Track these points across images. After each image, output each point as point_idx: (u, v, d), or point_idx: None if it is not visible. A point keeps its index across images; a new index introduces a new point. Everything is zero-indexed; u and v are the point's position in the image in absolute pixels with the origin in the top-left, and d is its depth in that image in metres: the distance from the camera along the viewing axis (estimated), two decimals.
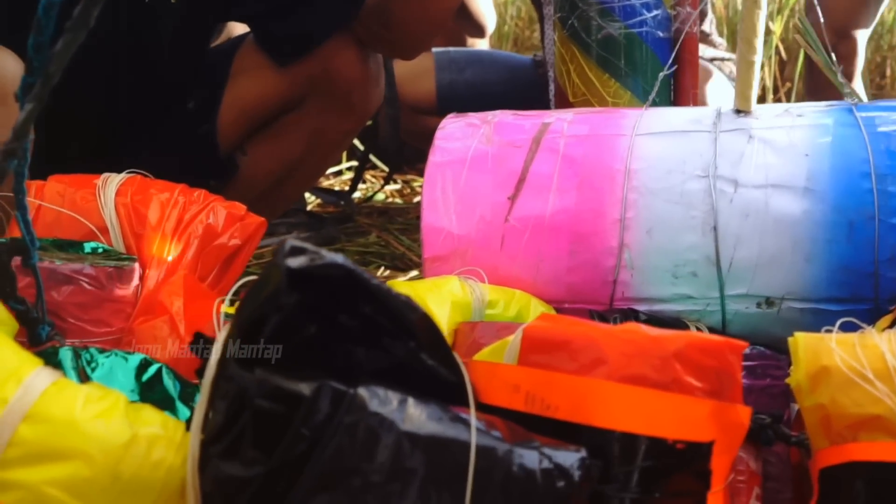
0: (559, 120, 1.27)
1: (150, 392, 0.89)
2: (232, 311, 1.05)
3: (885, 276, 1.13)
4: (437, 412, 0.67)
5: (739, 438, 0.76)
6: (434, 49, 2.48)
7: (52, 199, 1.22)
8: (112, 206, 1.20)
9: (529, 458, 0.67)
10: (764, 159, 1.18)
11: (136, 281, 1.12)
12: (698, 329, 1.14)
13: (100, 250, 1.16)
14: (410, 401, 0.67)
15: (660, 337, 0.76)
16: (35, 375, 0.71)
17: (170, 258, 1.18)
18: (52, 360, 0.87)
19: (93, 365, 0.90)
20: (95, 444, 0.69)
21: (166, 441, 0.71)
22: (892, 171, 1.14)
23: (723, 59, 2.28)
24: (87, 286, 1.07)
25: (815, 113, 1.22)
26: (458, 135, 1.28)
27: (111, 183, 1.22)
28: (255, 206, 1.73)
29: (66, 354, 0.90)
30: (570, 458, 0.69)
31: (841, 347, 0.80)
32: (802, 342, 0.82)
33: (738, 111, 1.24)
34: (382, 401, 0.66)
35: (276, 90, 1.78)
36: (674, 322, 1.16)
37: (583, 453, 0.69)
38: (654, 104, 1.39)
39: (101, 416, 0.70)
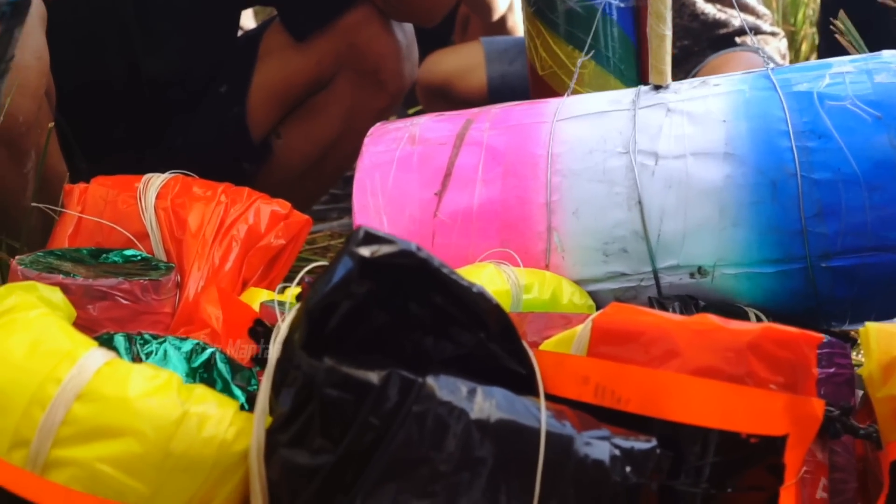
0: (482, 116, 1.32)
1: (204, 376, 0.91)
2: (277, 297, 1.07)
3: (814, 232, 1.16)
4: (507, 401, 0.69)
5: (813, 432, 0.77)
6: (483, 39, 2.47)
7: (95, 204, 1.25)
8: (152, 210, 1.23)
9: (600, 447, 0.69)
10: (682, 130, 1.22)
11: (174, 290, 1.15)
12: (757, 317, 1.15)
13: (138, 258, 1.19)
14: (480, 390, 0.68)
15: (734, 329, 0.77)
16: (89, 356, 0.75)
17: (210, 264, 1.21)
18: (107, 346, 0.89)
19: (147, 349, 0.93)
20: (147, 421, 0.71)
21: (218, 418, 0.73)
22: (810, 128, 1.18)
23: (759, 32, 2.24)
24: (122, 301, 1.08)
25: (731, 81, 1.27)
26: (384, 139, 1.34)
27: (152, 186, 1.24)
28: (294, 188, 1.77)
29: (119, 340, 0.93)
30: (641, 447, 0.71)
31: None
32: (874, 332, 0.82)
33: (655, 87, 1.28)
34: (451, 390, 0.68)
35: (302, 69, 1.81)
36: (735, 309, 1.18)
37: (654, 443, 0.70)
38: (622, 75, 1.50)
39: (153, 393, 0.73)
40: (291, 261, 1.29)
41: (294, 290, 0.84)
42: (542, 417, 0.67)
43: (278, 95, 1.81)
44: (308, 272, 0.76)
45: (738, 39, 2.18)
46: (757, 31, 2.22)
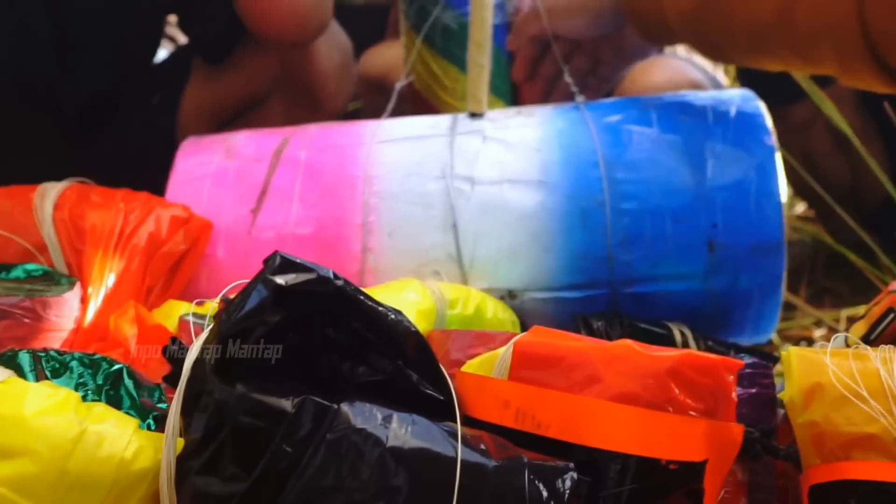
0: (300, 134, 1.35)
1: (111, 392, 0.90)
2: (194, 310, 1.06)
3: (619, 259, 1.22)
4: (423, 428, 0.69)
5: (732, 456, 0.78)
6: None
7: None
8: (50, 221, 1.19)
9: (517, 474, 0.69)
10: (499, 157, 1.27)
11: (76, 304, 1.12)
12: (682, 333, 1.17)
13: (38, 272, 1.16)
14: (396, 416, 0.69)
15: (654, 355, 0.79)
16: None
17: (112, 274, 1.18)
18: (10, 364, 0.88)
19: (52, 366, 0.91)
20: (42, 440, 0.71)
21: (116, 437, 0.73)
22: (619, 159, 1.24)
23: None
24: (23, 319, 1.06)
25: (545, 112, 1.33)
26: (198, 153, 1.34)
27: (48, 196, 1.21)
28: None
29: (24, 357, 0.91)
30: (558, 473, 0.71)
31: (835, 363, 0.82)
32: (796, 357, 0.84)
33: (472, 114, 1.34)
34: (367, 416, 0.68)
35: (232, 86, 1.80)
36: (661, 328, 1.20)
37: (571, 469, 0.71)
38: (496, 90, 1.50)
39: (50, 412, 0.72)
40: (194, 265, 1.26)
41: (213, 304, 0.83)
42: (458, 445, 0.67)
43: (209, 110, 1.79)
44: (229, 290, 0.75)
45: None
46: None
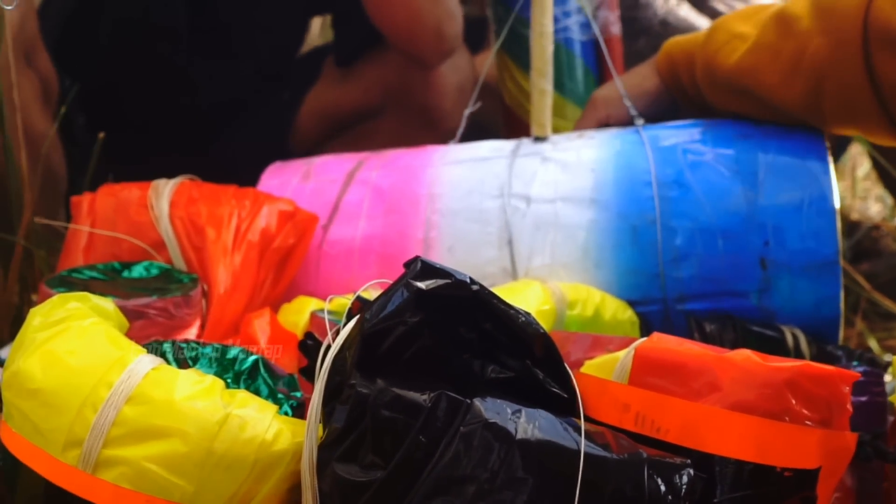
0: (374, 158, 1.46)
1: (248, 382, 0.98)
2: (328, 307, 1.14)
3: (670, 276, 1.29)
4: (549, 423, 0.76)
5: (845, 463, 0.83)
6: None
7: (104, 215, 1.30)
8: (167, 220, 1.27)
9: (637, 468, 0.75)
10: (555, 176, 1.35)
11: (202, 300, 1.21)
12: (794, 337, 1.22)
13: (159, 270, 1.25)
14: (524, 412, 0.75)
15: (773, 366, 0.83)
16: (138, 361, 0.83)
17: (232, 270, 1.27)
18: (156, 353, 0.96)
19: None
20: (191, 422, 0.79)
21: (258, 420, 0.81)
22: (672, 179, 1.32)
23: None
24: (156, 318, 1.15)
25: (605, 135, 1.41)
26: (280, 174, 1.48)
27: (163, 194, 1.29)
28: None
29: (167, 348, 0.99)
30: (676, 469, 0.77)
31: None
32: None
33: (536, 139, 1.43)
34: (497, 411, 0.75)
35: (350, 94, 1.88)
36: (773, 331, 1.26)
37: (689, 466, 0.77)
38: (583, 102, 1.62)
39: (198, 397, 0.81)
40: (302, 259, 1.36)
41: (344, 300, 0.91)
42: (582, 439, 0.73)
43: (326, 114, 1.89)
44: (364, 290, 0.82)
45: None
46: None
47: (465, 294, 0.76)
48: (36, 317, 0.87)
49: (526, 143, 1.42)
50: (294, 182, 1.45)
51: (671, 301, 1.29)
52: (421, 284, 0.75)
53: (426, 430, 0.73)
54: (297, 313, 1.19)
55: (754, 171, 1.30)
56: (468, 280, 0.76)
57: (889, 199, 2.44)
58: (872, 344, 1.72)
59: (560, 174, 1.35)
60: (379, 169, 1.43)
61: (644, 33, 2.24)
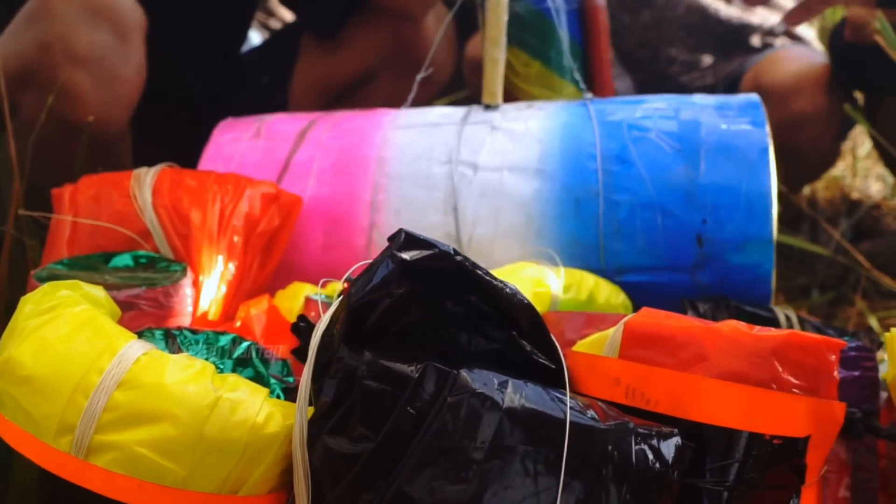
0: (326, 119, 1.51)
1: (241, 368, 1.00)
2: (321, 291, 1.16)
3: (610, 249, 1.34)
4: (536, 393, 0.77)
5: (834, 434, 0.84)
6: None
7: (87, 205, 1.31)
8: (150, 209, 1.28)
9: (625, 437, 0.77)
10: (502, 146, 1.40)
11: (190, 289, 1.22)
12: (787, 318, 1.23)
13: (146, 259, 1.26)
14: (510, 382, 0.77)
15: (760, 335, 0.85)
16: (129, 347, 0.84)
17: (220, 257, 1.29)
18: (149, 340, 0.97)
19: (186, 343, 1.01)
20: (182, 406, 0.80)
21: (249, 403, 0.82)
22: (615, 153, 1.37)
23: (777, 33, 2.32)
24: (147, 308, 1.16)
25: (553, 107, 1.46)
26: (231, 131, 1.52)
27: (145, 183, 1.30)
28: None
29: (159, 335, 1.01)
30: (663, 438, 0.79)
31: None
32: None
33: (486, 106, 1.47)
34: (484, 382, 0.76)
35: (344, 61, 1.90)
36: (766, 311, 1.29)
37: (676, 435, 0.78)
38: (570, 75, 1.70)
39: (188, 381, 0.82)
40: (287, 241, 1.38)
41: (337, 285, 0.92)
42: (568, 408, 0.75)
43: (320, 85, 1.91)
44: (354, 270, 0.84)
45: (771, 40, 2.27)
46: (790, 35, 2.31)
47: (449, 265, 0.77)
48: (27, 304, 0.88)
49: (476, 111, 1.47)
50: (245, 138, 1.48)
51: (610, 272, 1.34)
52: (405, 255, 0.76)
53: (414, 401, 0.75)
54: (292, 298, 1.21)
55: (696, 149, 1.36)
56: (452, 251, 0.77)
57: (890, 178, 2.46)
58: (873, 322, 1.74)
59: (508, 143, 1.40)
60: (330, 130, 1.47)
61: (647, 6, 2.27)
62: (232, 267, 1.28)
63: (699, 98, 1.45)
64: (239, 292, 1.28)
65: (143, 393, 0.81)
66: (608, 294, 1.27)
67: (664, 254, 1.34)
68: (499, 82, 1.48)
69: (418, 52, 1.88)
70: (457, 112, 1.47)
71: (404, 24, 1.85)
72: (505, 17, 1.48)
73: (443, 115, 1.47)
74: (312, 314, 1.14)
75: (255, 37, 2.34)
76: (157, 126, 1.81)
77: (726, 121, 1.38)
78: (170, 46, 1.77)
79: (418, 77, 1.54)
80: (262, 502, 0.83)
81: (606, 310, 1.26)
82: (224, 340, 1.01)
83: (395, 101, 1.90)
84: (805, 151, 2.08)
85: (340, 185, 1.41)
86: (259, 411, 0.81)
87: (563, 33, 1.69)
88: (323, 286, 1.06)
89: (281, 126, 1.50)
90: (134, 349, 0.84)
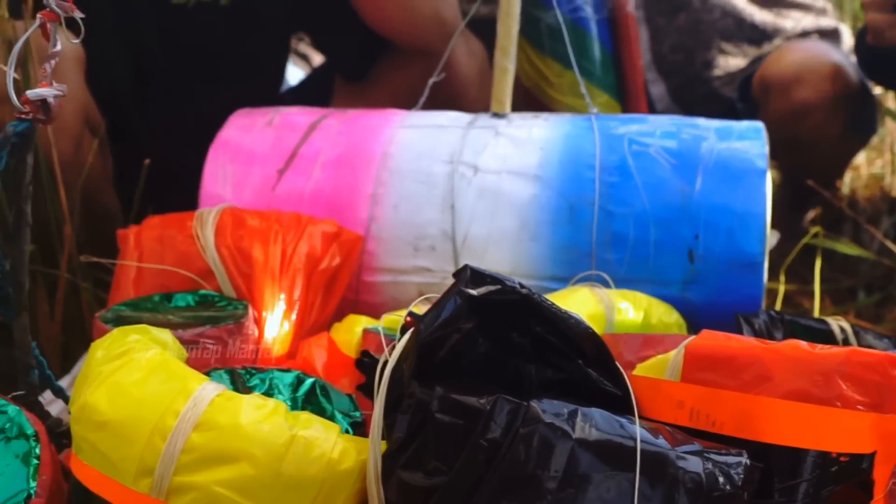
0: (338, 113, 1.54)
1: (307, 405, 1.02)
2: (383, 325, 1.17)
3: (601, 258, 1.36)
4: (605, 420, 0.79)
5: None
6: None
7: (151, 246, 1.34)
8: (213, 248, 1.31)
9: (694, 461, 0.79)
10: (504, 150, 1.43)
11: (253, 327, 1.24)
12: (842, 329, 1.24)
13: (208, 298, 1.28)
14: (579, 411, 0.79)
15: (822, 353, 0.86)
16: (202, 389, 0.86)
17: (282, 295, 1.30)
18: (216, 380, 0.99)
19: (252, 382, 1.03)
20: (259, 445, 0.82)
21: (324, 440, 0.84)
22: (614, 165, 1.38)
23: (821, 31, 2.32)
24: (211, 346, 1.18)
25: (558, 118, 1.49)
26: (245, 120, 1.55)
27: (208, 223, 1.33)
28: None
29: (225, 374, 1.03)
30: (732, 461, 0.80)
31: None
32: None
33: (494, 114, 1.50)
34: (554, 412, 0.78)
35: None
36: (820, 324, 1.28)
37: (744, 456, 0.79)
38: (599, 82, 1.77)
39: (263, 420, 0.84)
40: (348, 278, 1.40)
41: (394, 317, 0.94)
42: (638, 435, 0.76)
43: None
44: (415, 305, 0.86)
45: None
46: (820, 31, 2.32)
47: (515, 298, 0.79)
48: (98, 350, 0.91)
49: (483, 117, 1.49)
50: (258, 127, 1.51)
51: (600, 281, 1.35)
52: (473, 291, 0.79)
53: (486, 433, 0.76)
54: (349, 332, 1.23)
55: (694, 167, 1.38)
56: (517, 285, 0.80)
57: None
58: None
59: (510, 148, 1.42)
60: (340, 124, 1.49)
61: (684, 9, 2.28)
62: (294, 305, 1.30)
63: (703, 121, 1.46)
64: (301, 330, 1.30)
65: (219, 434, 0.83)
66: (661, 313, 1.28)
67: (655, 267, 1.35)
68: (507, 91, 1.51)
69: (451, 85, 1.89)
70: (464, 117, 1.50)
71: (431, 60, 1.86)
72: (516, 28, 1.51)
73: (451, 118, 1.50)
74: (371, 348, 1.16)
75: (296, 74, 2.37)
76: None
77: (726, 142, 1.40)
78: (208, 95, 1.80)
79: (430, 81, 1.55)
80: None
81: (660, 329, 1.27)
82: (289, 378, 1.03)
83: None
84: (811, 141, 2.08)
85: (343, 176, 1.44)
86: (333, 447, 0.83)
87: (595, 42, 1.72)
88: (384, 319, 1.08)
89: (293, 117, 1.53)
90: (207, 391, 0.86)
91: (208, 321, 1.20)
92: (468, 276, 0.79)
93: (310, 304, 1.33)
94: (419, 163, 1.43)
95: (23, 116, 0.92)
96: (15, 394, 1.03)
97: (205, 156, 1.49)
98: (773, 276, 1.64)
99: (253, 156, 1.49)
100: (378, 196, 1.42)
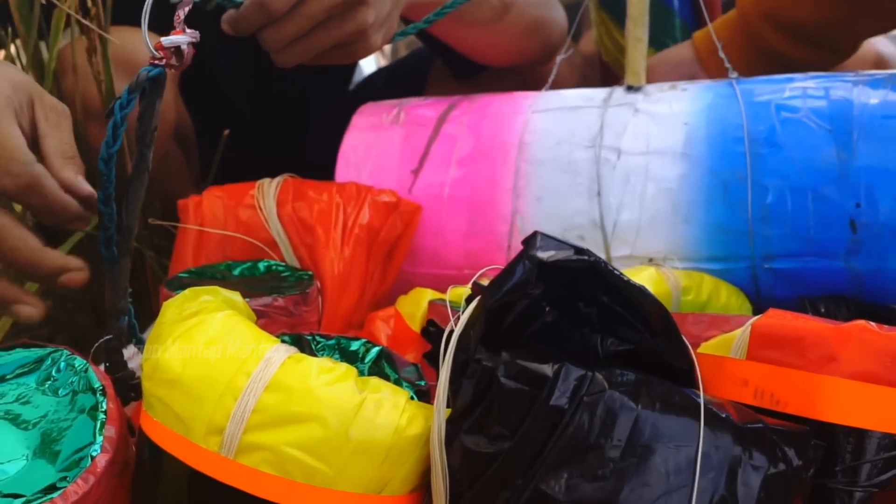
0: (464, 103, 1.49)
1: (373, 372, 1.03)
2: (440, 296, 1.18)
3: (759, 234, 1.29)
4: (670, 392, 0.79)
5: None
6: None
7: (213, 216, 1.35)
8: (276, 219, 1.31)
9: (758, 436, 0.78)
10: (646, 129, 1.36)
11: (318, 297, 1.25)
12: None
13: (274, 268, 1.29)
14: (645, 381, 0.79)
15: (891, 335, 0.85)
16: (274, 351, 0.87)
17: (343, 265, 1.31)
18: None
19: (318, 348, 1.04)
20: (329, 408, 0.82)
21: (393, 405, 0.83)
22: (764, 136, 1.30)
23: None
24: (277, 317, 1.18)
25: (697, 88, 1.41)
26: (371, 118, 1.52)
27: (269, 194, 1.33)
28: None
29: (291, 340, 1.04)
30: (797, 438, 0.79)
31: None
32: None
33: (629, 87, 1.44)
34: (619, 381, 0.78)
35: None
36: (886, 311, 1.26)
37: (809, 432, 0.80)
38: None
39: (334, 383, 0.84)
40: (407, 250, 1.39)
41: (461, 290, 0.94)
42: (702, 407, 0.76)
43: None
44: (480, 276, 0.86)
45: None
46: None
47: (583, 265, 0.79)
48: (169, 310, 0.92)
49: (618, 93, 1.44)
50: (385, 123, 1.49)
51: (759, 259, 1.31)
52: (542, 255, 0.78)
53: (550, 400, 0.76)
54: (415, 304, 1.23)
55: (849, 130, 1.30)
56: (586, 251, 0.79)
57: None
58: None
59: (652, 127, 1.36)
60: (469, 114, 1.46)
61: None
62: (356, 275, 1.30)
63: (851, 75, 1.38)
64: (362, 301, 1.31)
65: (290, 395, 0.83)
66: (728, 296, 1.27)
67: (816, 239, 1.29)
68: (642, 62, 1.46)
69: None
70: (598, 94, 1.44)
71: (535, 71, 1.85)
72: None
73: (583, 97, 1.45)
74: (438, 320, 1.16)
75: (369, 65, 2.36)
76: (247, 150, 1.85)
77: (879, 97, 1.32)
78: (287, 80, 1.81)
79: (559, 58, 1.53)
80: (403, 502, 0.85)
81: (726, 311, 1.26)
82: (356, 345, 1.04)
83: None
84: None
85: (481, 171, 1.40)
86: (402, 413, 0.83)
87: (677, 20, 1.70)
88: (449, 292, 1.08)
89: (420, 111, 1.50)
90: (279, 352, 0.86)
91: (274, 291, 1.20)
92: (537, 241, 0.79)
93: (370, 275, 1.34)
94: (559, 150, 1.38)
95: (156, 63, 0.93)
96: (106, 337, 1.03)
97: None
98: None
99: (384, 158, 1.46)
100: (519, 189, 1.38)
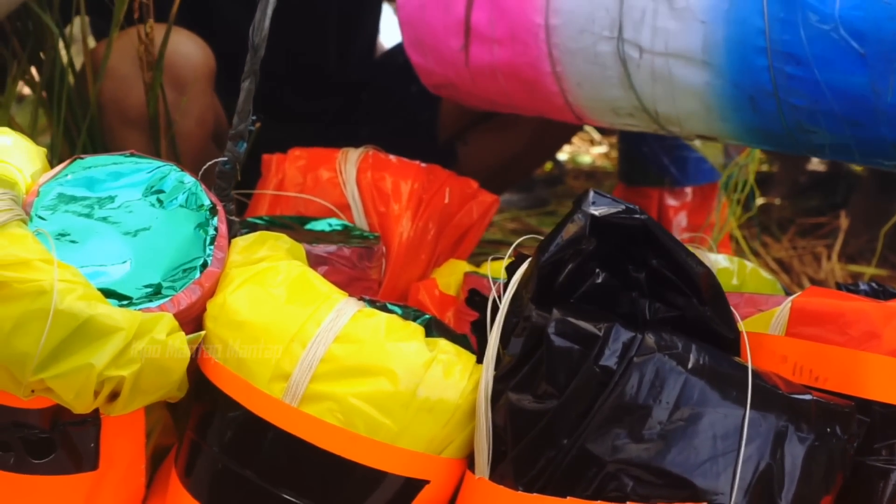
0: None
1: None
2: (474, 269, 1.16)
3: (801, 140, 1.16)
4: (717, 357, 0.73)
5: None
6: None
7: (293, 175, 1.32)
8: (354, 182, 1.28)
9: (805, 406, 0.72)
10: (665, 23, 1.18)
11: (381, 259, 1.20)
12: None
13: (340, 227, 1.24)
14: (694, 345, 0.72)
15: None
16: (345, 303, 0.81)
17: (411, 237, 1.26)
18: None
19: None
20: (399, 363, 0.77)
21: (461, 367, 0.78)
22: (788, 50, 1.10)
23: None
24: (341, 266, 1.14)
25: None
26: None
27: (351, 160, 1.30)
28: None
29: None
30: (842, 411, 0.73)
31: None
32: None
33: None
34: (668, 344, 0.72)
35: None
36: None
37: (853, 408, 0.74)
38: None
39: (404, 339, 0.79)
40: (478, 237, 1.34)
41: (495, 264, 0.92)
42: (749, 372, 0.71)
43: (470, 109, 1.88)
44: (519, 244, 0.83)
45: None
46: None
47: (635, 223, 0.73)
48: (234, 252, 0.86)
49: None
50: None
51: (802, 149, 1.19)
52: (595, 211, 0.73)
53: (600, 359, 0.71)
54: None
55: (888, 56, 1.08)
56: (637, 209, 0.73)
57: None
58: None
59: (670, 21, 1.18)
60: None
61: None
62: (424, 250, 1.28)
63: None
64: (424, 277, 1.27)
65: (360, 347, 0.78)
66: (760, 282, 1.21)
67: (860, 156, 1.17)
68: None
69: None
70: None
71: None
72: None
73: None
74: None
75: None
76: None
77: None
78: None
79: None
80: (461, 466, 0.80)
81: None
82: (409, 315, 0.96)
83: (545, 129, 1.80)
84: None
85: (519, 53, 1.30)
86: (470, 376, 0.78)
87: None
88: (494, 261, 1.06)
89: None
90: (350, 305, 0.81)
91: (340, 241, 1.16)
92: (590, 198, 0.73)
93: (437, 254, 1.28)
94: (583, 40, 1.24)
95: None
96: (222, 159, 0.99)
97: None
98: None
99: (432, 27, 1.37)
100: (559, 73, 1.29)
